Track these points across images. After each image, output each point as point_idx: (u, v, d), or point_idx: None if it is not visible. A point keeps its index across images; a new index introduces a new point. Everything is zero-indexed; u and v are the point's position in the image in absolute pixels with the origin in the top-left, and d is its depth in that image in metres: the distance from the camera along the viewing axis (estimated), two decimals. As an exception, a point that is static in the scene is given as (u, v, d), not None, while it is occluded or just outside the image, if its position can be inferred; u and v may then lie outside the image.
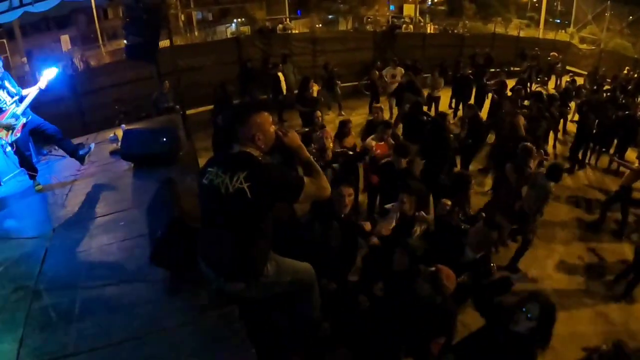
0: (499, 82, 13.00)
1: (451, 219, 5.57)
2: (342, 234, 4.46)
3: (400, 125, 10.54)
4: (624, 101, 13.68)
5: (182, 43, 19.29)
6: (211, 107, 12.58)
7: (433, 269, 3.79)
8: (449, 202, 5.89)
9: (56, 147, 6.96)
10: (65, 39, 23.55)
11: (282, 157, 4.74)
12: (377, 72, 14.75)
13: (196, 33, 27.98)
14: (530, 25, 31.66)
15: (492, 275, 4.56)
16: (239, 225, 2.91)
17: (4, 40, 19.61)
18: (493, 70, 16.76)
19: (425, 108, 12.32)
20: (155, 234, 3.62)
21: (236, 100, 12.74)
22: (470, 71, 15.03)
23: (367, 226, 4.78)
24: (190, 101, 12.66)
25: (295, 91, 12.90)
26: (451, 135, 8.85)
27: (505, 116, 9.95)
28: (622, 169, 10.10)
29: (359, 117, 13.63)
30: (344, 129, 7.67)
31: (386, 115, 11.46)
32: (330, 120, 13.34)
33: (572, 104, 13.64)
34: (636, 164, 8.48)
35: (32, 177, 6.10)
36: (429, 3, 36.01)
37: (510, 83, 13.30)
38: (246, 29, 24.60)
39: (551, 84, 17.65)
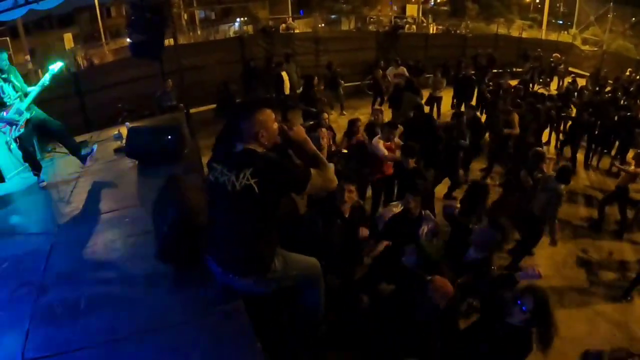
0: (495, 83, 13.08)
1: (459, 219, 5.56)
2: (344, 232, 4.49)
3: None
4: (625, 103, 13.69)
5: (184, 42, 19.33)
6: (214, 106, 12.64)
7: (428, 278, 3.80)
8: (458, 205, 5.94)
9: (60, 145, 6.99)
10: (68, 37, 23.48)
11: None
12: (380, 72, 14.77)
13: (199, 32, 28.01)
14: (532, 26, 31.62)
15: (491, 277, 4.57)
16: (247, 221, 2.95)
17: (7, 38, 19.58)
18: (495, 71, 16.74)
19: (427, 109, 12.39)
20: (161, 230, 3.65)
21: (239, 99, 12.77)
22: (472, 72, 15.03)
23: (364, 232, 4.78)
24: (193, 100, 12.68)
25: (299, 90, 12.94)
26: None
27: (500, 114, 10.01)
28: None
29: (361, 116, 13.42)
30: (352, 127, 7.75)
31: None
32: (333, 120, 13.31)
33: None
34: (632, 167, 8.56)
35: (36, 174, 6.13)
36: (432, 3, 35.97)
37: (513, 84, 13.34)
38: (249, 28, 24.60)
39: (554, 85, 17.66)
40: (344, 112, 14.42)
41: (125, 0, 19.78)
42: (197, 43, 20.40)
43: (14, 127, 5.73)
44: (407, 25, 25.76)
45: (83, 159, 6.30)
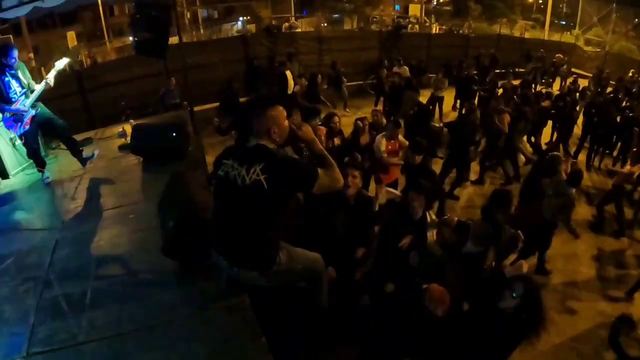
0: (490, 82, 13.12)
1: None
2: (348, 218, 4.50)
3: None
4: (628, 103, 13.68)
5: (187, 41, 19.32)
6: (217, 104, 12.64)
7: (424, 286, 3.82)
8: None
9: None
10: (71, 35, 23.55)
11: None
12: (385, 71, 14.79)
13: (201, 31, 28.01)
14: (535, 26, 31.63)
15: (484, 272, 4.59)
16: (255, 215, 2.98)
17: (10, 36, 19.62)
18: (498, 71, 16.75)
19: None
20: (166, 226, 3.67)
21: (242, 97, 12.78)
22: (475, 72, 15.04)
23: (360, 253, 4.79)
24: (197, 98, 12.68)
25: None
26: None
27: (493, 113, 10.05)
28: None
29: (364, 115, 13.63)
30: (357, 127, 7.73)
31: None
32: (336, 119, 13.38)
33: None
34: (627, 166, 8.64)
35: (41, 170, 6.16)
36: (435, 3, 35.98)
37: (516, 84, 13.35)
38: (252, 28, 24.62)
39: (556, 86, 17.65)
40: (347, 111, 14.45)
41: (129, -1, 19.82)
42: (201, 42, 20.42)
43: (19, 124, 5.75)
44: (409, 25, 25.77)
45: (83, 162, 6.32)
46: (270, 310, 3.62)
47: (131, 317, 3.37)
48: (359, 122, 7.78)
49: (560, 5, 34.13)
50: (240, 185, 2.92)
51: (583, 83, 15.94)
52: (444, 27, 29.12)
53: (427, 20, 28.53)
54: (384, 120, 8.99)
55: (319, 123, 7.67)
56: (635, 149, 9.21)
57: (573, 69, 19.60)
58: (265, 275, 3.13)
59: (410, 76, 14.02)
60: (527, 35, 24.99)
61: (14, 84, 5.65)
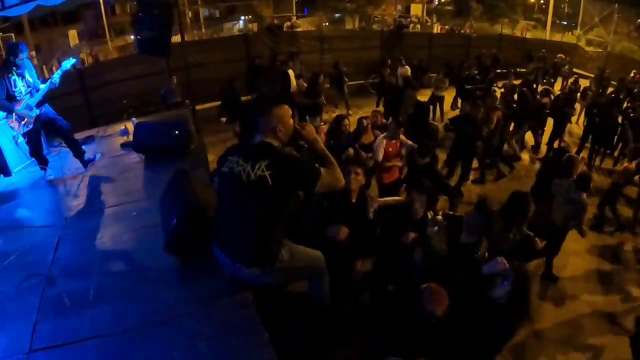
0: (487, 81, 13.15)
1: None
2: (350, 216, 4.51)
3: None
4: (629, 104, 13.68)
5: (189, 39, 19.35)
6: (218, 103, 12.67)
7: (423, 286, 3.82)
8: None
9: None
10: (73, 34, 23.56)
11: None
12: (388, 70, 14.79)
13: (203, 30, 28.00)
14: (537, 26, 31.58)
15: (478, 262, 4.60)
16: (258, 212, 3.00)
17: (12, 34, 19.64)
18: (499, 71, 16.74)
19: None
20: (169, 223, 3.68)
21: (243, 96, 12.81)
22: (476, 72, 15.04)
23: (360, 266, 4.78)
24: (198, 97, 12.70)
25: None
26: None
27: (487, 111, 10.10)
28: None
29: (365, 115, 13.65)
30: (360, 126, 7.72)
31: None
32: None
33: (577, 106, 13.68)
34: (625, 162, 8.77)
35: (43, 168, 6.17)
36: (436, 3, 35.92)
37: (517, 84, 13.36)
38: (253, 27, 24.64)
39: (557, 86, 17.63)
40: (350, 112, 14.44)
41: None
42: (203, 40, 20.45)
43: (23, 122, 5.76)
44: (411, 25, 25.77)
45: (85, 164, 6.34)
46: (271, 309, 3.63)
47: (134, 314, 3.38)
48: (364, 120, 7.76)
49: (562, 6, 34.05)
50: (245, 180, 2.96)
51: (584, 83, 15.94)
52: (446, 27, 29.13)
53: (429, 20, 28.52)
54: (383, 121, 8.94)
55: (321, 123, 7.68)
56: (632, 146, 9.28)
57: (574, 70, 19.58)
58: (267, 272, 3.14)
59: (409, 75, 14.03)
60: (528, 35, 24.96)
61: (19, 83, 5.66)
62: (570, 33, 28.30)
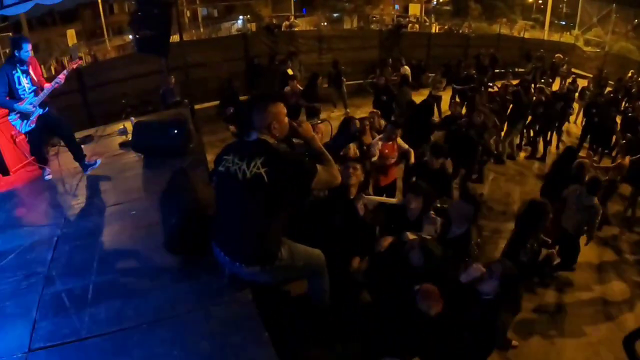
0: (477, 80, 13.23)
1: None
2: (348, 211, 4.51)
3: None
4: (628, 104, 13.72)
5: (187, 39, 19.34)
6: (217, 102, 12.66)
7: (416, 288, 3.83)
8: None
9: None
10: (71, 33, 23.46)
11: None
12: (389, 69, 14.79)
13: (201, 29, 27.95)
14: (535, 26, 31.61)
15: (471, 252, 4.61)
16: (255, 210, 3.01)
17: (10, 33, 19.60)
18: (497, 71, 16.77)
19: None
20: (169, 221, 3.68)
21: (243, 96, 12.79)
22: (474, 71, 15.07)
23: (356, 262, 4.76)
24: (197, 96, 12.71)
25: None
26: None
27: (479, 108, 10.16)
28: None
29: (364, 114, 13.58)
30: (361, 127, 7.68)
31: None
32: (336, 117, 13.41)
33: (576, 106, 13.72)
34: (618, 160, 8.82)
35: (42, 167, 6.15)
36: (434, 3, 35.92)
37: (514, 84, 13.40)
38: (252, 26, 24.60)
39: (556, 86, 17.66)
40: (348, 111, 14.47)
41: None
42: (201, 40, 20.44)
43: (26, 121, 5.72)
44: (409, 25, 25.77)
45: (85, 168, 6.24)
46: (271, 308, 3.63)
47: (134, 312, 3.37)
48: (365, 121, 7.71)
49: (560, 6, 34.09)
50: (241, 179, 2.96)
51: (582, 83, 15.98)
52: (445, 27, 29.13)
53: (427, 20, 28.51)
54: (382, 122, 8.83)
55: (318, 122, 7.64)
56: (624, 142, 9.34)
57: (573, 70, 19.62)
58: (266, 270, 3.14)
59: (406, 74, 14.05)
60: (526, 35, 24.97)
61: (23, 81, 5.60)
62: (568, 33, 28.35)
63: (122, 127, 7.53)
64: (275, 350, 2.95)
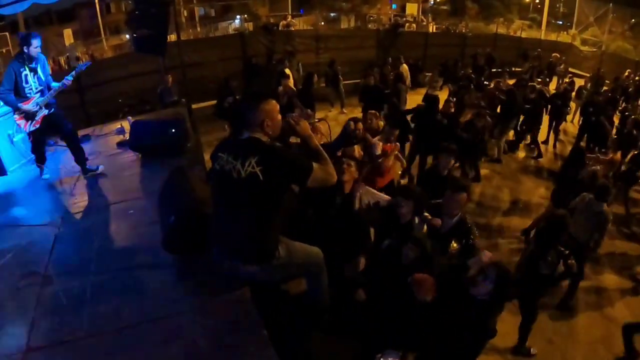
0: (465, 78, 13.30)
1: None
2: (343, 207, 4.52)
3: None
4: (625, 104, 13.76)
5: (184, 38, 19.31)
6: (214, 102, 12.65)
7: (409, 279, 3.83)
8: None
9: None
10: (68, 32, 23.43)
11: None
12: (389, 67, 14.78)
13: (198, 29, 27.94)
14: (532, 26, 31.67)
15: (473, 235, 4.60)
16: (251, 208, 3.00)
17: (7, 34, 19.58)
18: (494, 70, 16.79)
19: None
20: (167, 220, 3.68)
21: (239, 95, 12.78)
22: (470, 71, 15.09)
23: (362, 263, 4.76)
24: (194, 96, 12.68)
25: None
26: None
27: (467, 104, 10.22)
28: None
29: (361, 115, 13.67)
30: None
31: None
32: (333, 117, 13.46)
33: (573, 105, 13.75)
34: (610, 156, 8.90)
35: (40, 166, 6.12)
36: (432, 2, 35.94)
37: (511, 83, 13.43)
38: (249, 26, 24.59)
39: (553, 85, 17.71)
40: (345, 110, 14.46)
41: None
42: (198, 39, 20.40)
43: (30, 121, 5.66)
44: (406, 24, 25.78)
45: (85, 171, 6.17)
46: (269, 306, 3.63)
47: (132, 311, 3.37)
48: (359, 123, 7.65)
49: (557, 5, 34.19)
50: (236, 178, 2.95)
51: (579, 82, 16.01)
52: (442, 26, 29.17)
53: (424, 19, 28.50)
54: (381, 123, 8.74)
55: (316, 121, 7.63)
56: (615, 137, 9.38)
57: (570, 69, 19.67)
58: (264, 269, 3.14)
59: (400, 72, 14.06)
60: (523, 34, 25.00)
61: (31, 79, 5.53)
62: (565, 32, 28.43)
63: (119, 126, 7.52)
64: (274, 349, 2.95)
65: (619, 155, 8.61)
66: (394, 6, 33.71)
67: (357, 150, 6.75)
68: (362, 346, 4.03)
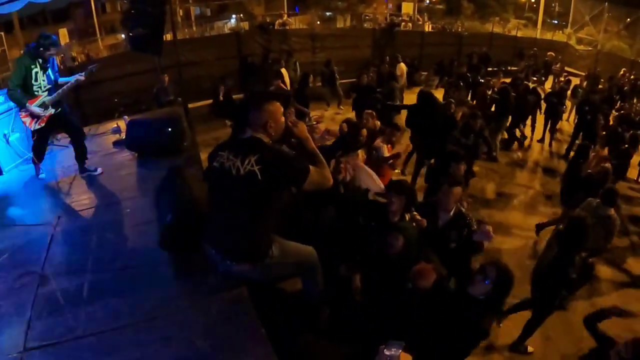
0: (455, 76, 13.32)
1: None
2: (338, 206, 4.52)
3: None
4: (621, 102, 13.80)
5: (180, 38, 19.26)
6: (210, 101, 12.65)
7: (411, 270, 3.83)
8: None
9: (58, 138, 6.97)
10: (63, 32, 23.31)
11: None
12: (387, 66, 14.80)
13: (194, 28, 27.87)
14: (527, 25, 31.68)
15: (472, 227, 4.61)
16: (247, 207, 3.02)
17: (2, 33, 19.44)
18: (490, 69, 16.81)
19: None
20: (164, 219, 3.68)
21: (235, 94, 12.79)
22: (466, 70, 15.11)
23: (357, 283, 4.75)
24: (191, 95, 12.67)
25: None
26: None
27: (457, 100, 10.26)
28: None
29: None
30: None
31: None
32: (330, 116, 13.46)
33: (568, 104, 13.78)
34: (597, 151, 8.98)
35: (36, 162, 6.07)
36: (427, 2, 35.95)
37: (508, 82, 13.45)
38: (245, 25, 24.55)
39: (549, 84, 17.75)
40: (341, 107, 14.48)
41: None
42: (194, 38, 20.31)
43: (36, 120, 5.63)
44: (402, 23, 25.78)
45: (82, 170, 6.14)
46: (266, 305, 3.63)
47: (129, 310, 3.37)
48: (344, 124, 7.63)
49: (553, 4, 34.21)
50: (234, 175, 2.97)
51: (575, 81, 16.05)
52: (438, 25, 29.18)
53: (420, 19, 28.52)
54: (377, 123, 8.71)
55: (314, 122, 7.67)
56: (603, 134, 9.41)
57: (565, 68, 19.70)
58: (257, 268, 3.15)
59: (393, 70, 14.09)
60: (519, 33, 24.99)
61: (40, 77, 5.49)
62: (560, 32, 28.43)
63: (115, 125, 7.51)
64: (272, 347, 2.95)
65: (606, 151, 8.63)
66: (389, 5, 33.78)
67: (361, 154, 6.79)
68: (361, 345, 4.04)
